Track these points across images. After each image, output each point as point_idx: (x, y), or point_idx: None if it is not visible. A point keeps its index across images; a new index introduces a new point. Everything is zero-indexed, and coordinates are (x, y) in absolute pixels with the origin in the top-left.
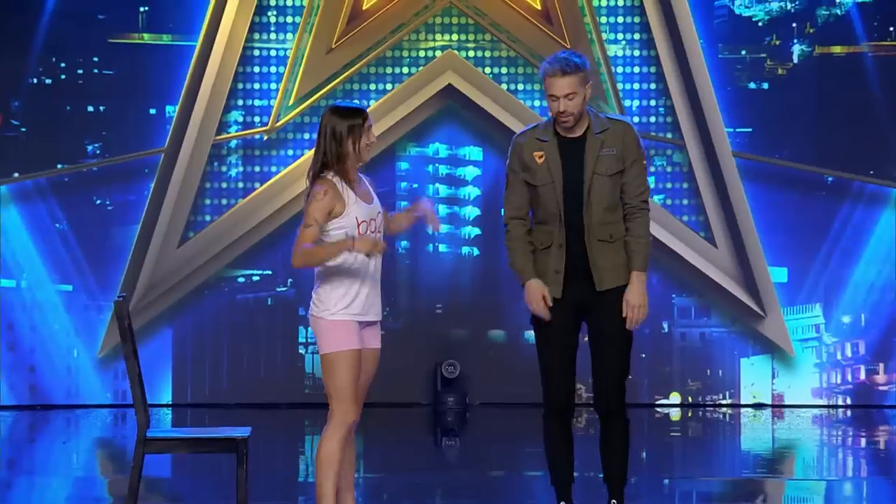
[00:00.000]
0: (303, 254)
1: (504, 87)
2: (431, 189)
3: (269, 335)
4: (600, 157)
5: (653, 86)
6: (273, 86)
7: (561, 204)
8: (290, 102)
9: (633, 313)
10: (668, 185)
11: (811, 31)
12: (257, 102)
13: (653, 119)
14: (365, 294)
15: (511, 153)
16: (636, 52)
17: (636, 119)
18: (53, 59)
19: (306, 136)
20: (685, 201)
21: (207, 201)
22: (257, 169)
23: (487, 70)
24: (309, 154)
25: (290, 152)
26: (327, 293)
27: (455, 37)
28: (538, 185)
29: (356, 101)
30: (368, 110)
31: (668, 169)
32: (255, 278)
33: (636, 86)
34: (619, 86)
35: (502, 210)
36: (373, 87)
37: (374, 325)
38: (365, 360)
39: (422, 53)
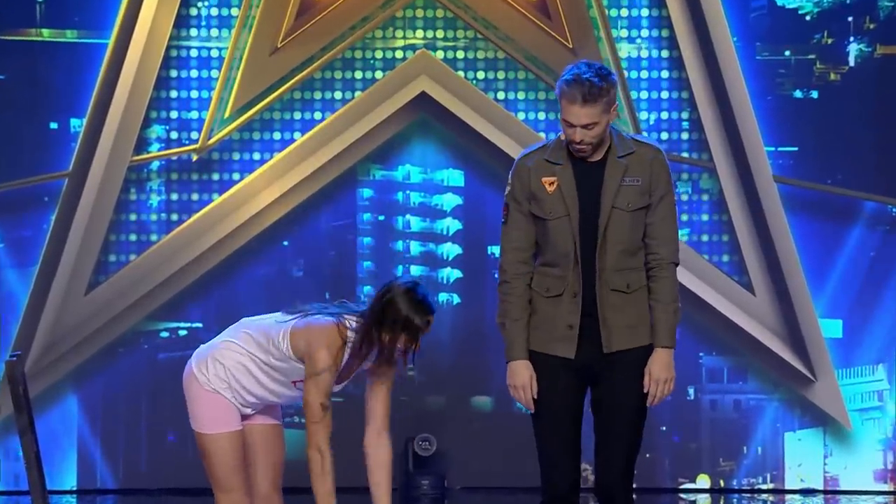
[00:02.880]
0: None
1: (491, 96)
2: (401, 222)
3: None
4: (622, 188)
5: (675, 95)
6: (205, 94)
7: (578, 242)
8: (226, 115)
9: (657, 388)
10: (695, 218)
11: (871, 26)
12: (185, 115)
13: (675, 136)
14: (253, 401)
15: (513, 179)
16: (654, 53)
17: (656, 136)
18: None
19: (245, 156)
20: (715, 237)
21: (123, 237)
22: (185, 197)
23: (471, 75)
24: (250, 178)
25: (227, 176)
26: (220, 363)
27: (430, 34)
28: (548, 218)
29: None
30: (322, 125)
31: (695, 197)
32: (183, 332)
33: (654, 95)
34: (634, 95)
35: (490, 249)
36: (327, 95)
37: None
38: (263, 438)
39: (388, 54)
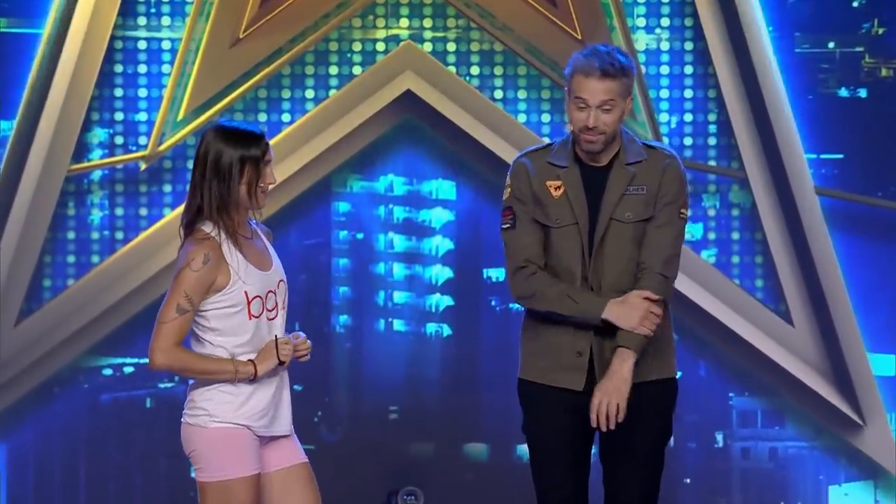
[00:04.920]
0: (166, 353)
1: (487, 95)
2: (383, 240)
3: (149, 450)
4: (625, 198)
5: (700, 93)
6: (155, 92)
7: (586, 254)
8: (180, 116)
9: (602, 405)
10: (723, 236)
11: None
12: (132, 116)
13: (701, 141)
14: (265, 398)
15: (513, 178)
16: (676, 45)
17: (678, 142)
18: None
19: None
20: (748, 258)
21: (59, 259)
22: (132, 212)
23: (463, 71)
24: None
25: (180, 188)
26: (207, 392)
27: (416, 23)
28: (553, 226)
29: (253, 121)
30: (291, 128)
31: (723, 212)
32: (128, 370)
33: (676, 93)
34: (652, 93)
35: (485, 272)
36: (297, 94)
37: (285, 440)
38: (284, 486)
39: (368, 47)
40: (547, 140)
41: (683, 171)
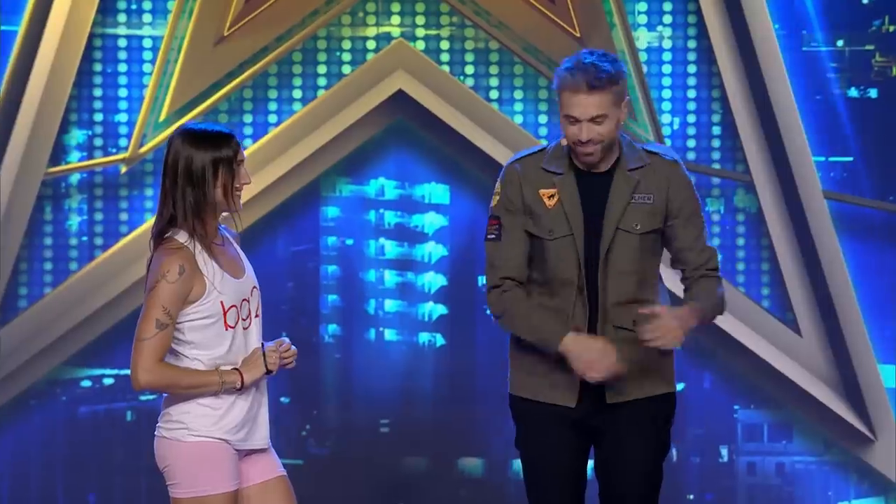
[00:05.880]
0: (150, 372)
1: (482, 95)
2: (373, 247)
3: (129, 465)
4: (630, 207)
5: (704, 93)
6: (136, 93)
7: (583, 267)
8: (162, 117)
9: (660, 332)
10: (728, 242)
11: None
12: (112, 117)
13: (704, 143)
14: (243, 411)
15: (503, 186)
16: (680, 44)
17: (681, 143)
18: None
19: None
20: (753, 265)
21: (36, 266)
22: (112, 217)
23: (457, 70)
24: None
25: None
26: (184, 405)
27: (408, 20)
28: (548, 238)
29: (237, 123)
30: (278, 130)
31: (728, 217)
32: (108, 381)
33: (679, 93)
34: (654, 94)
35: (480, 279)
36: (284, 94)
37: (262, 454)
38: (261, 501)
39: (358, 45)
40: (544, 142)
41: (688, 175)
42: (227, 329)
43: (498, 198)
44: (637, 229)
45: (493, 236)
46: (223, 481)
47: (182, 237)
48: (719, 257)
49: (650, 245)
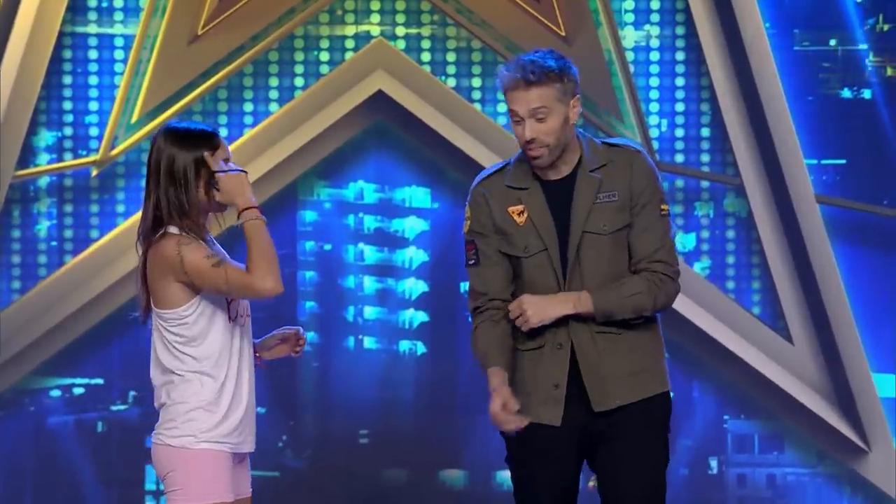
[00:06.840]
0: (264, 278)
1: (464, 96)
2: (353, 252)
3: (101, 478)
4: (596, 208)
5: (694, 95)
6: (107, 93)
7: (560, 277)
8: (134, 119)
9: (515, 312)
10: (717, 247)
11: None
12: (82, 118)
13: (693, 145)
14: (240, 413)
15: (471, 210)
16: (668, 42)
17: (669, 146)
18: None
19: None
20: (743, 271)
21: (3, 272)
22: (82, 222)
23: (439, 70)
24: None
25: (134, 196)
26: (190, 412)
27: (388, 18)
28: (524, 256)
29: (212, 123)
30: (254, 131)
31: (718, 221)
32: (78, 391)
33: (667, 94)
34: (641, 94)
35: (463, 286)
36: (260, 95)
37: (240, 468)
38: None
39: (336, 44)
40: (512, 157)
41: (652, 164)
42: (230, 321)
43: (469, 223)
44: (605, 230)
45: (472, 262)
46: (227, 491)
47: (174, 230)
48: (679, 258)
49: (623, 243)
